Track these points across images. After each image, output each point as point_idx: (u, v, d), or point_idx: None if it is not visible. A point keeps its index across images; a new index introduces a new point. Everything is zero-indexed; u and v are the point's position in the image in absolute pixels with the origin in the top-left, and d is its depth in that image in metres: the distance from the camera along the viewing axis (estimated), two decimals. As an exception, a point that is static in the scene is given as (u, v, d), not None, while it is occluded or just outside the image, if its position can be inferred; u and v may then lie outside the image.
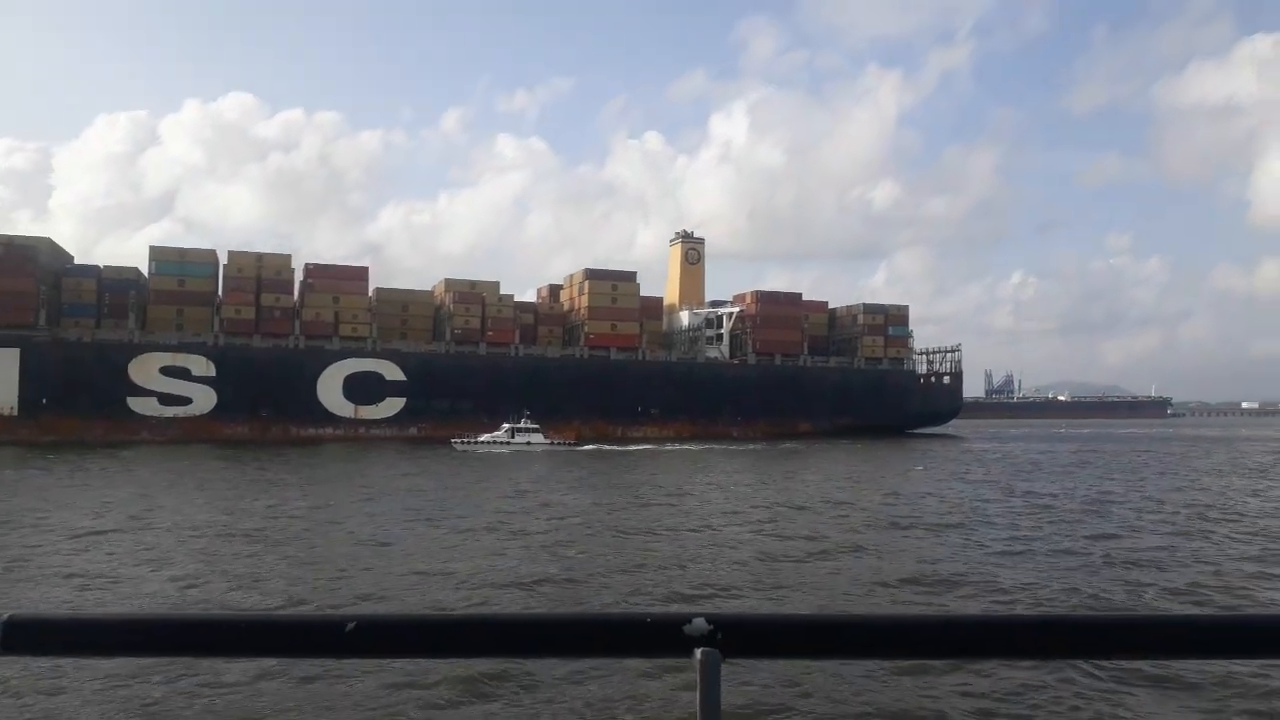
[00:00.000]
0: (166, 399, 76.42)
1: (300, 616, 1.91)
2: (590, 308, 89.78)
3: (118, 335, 75.96)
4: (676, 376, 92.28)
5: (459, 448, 63.40)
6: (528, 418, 67.18)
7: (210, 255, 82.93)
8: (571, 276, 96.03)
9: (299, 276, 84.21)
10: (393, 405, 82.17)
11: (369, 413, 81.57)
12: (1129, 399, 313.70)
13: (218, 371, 77.41)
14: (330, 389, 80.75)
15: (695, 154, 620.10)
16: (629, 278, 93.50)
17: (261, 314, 79.60)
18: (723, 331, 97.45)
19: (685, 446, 77.67)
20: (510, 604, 16.52)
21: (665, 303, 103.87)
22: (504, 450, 62.50)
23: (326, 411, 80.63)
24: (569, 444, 67.05)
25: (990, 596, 17.15)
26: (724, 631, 1.63)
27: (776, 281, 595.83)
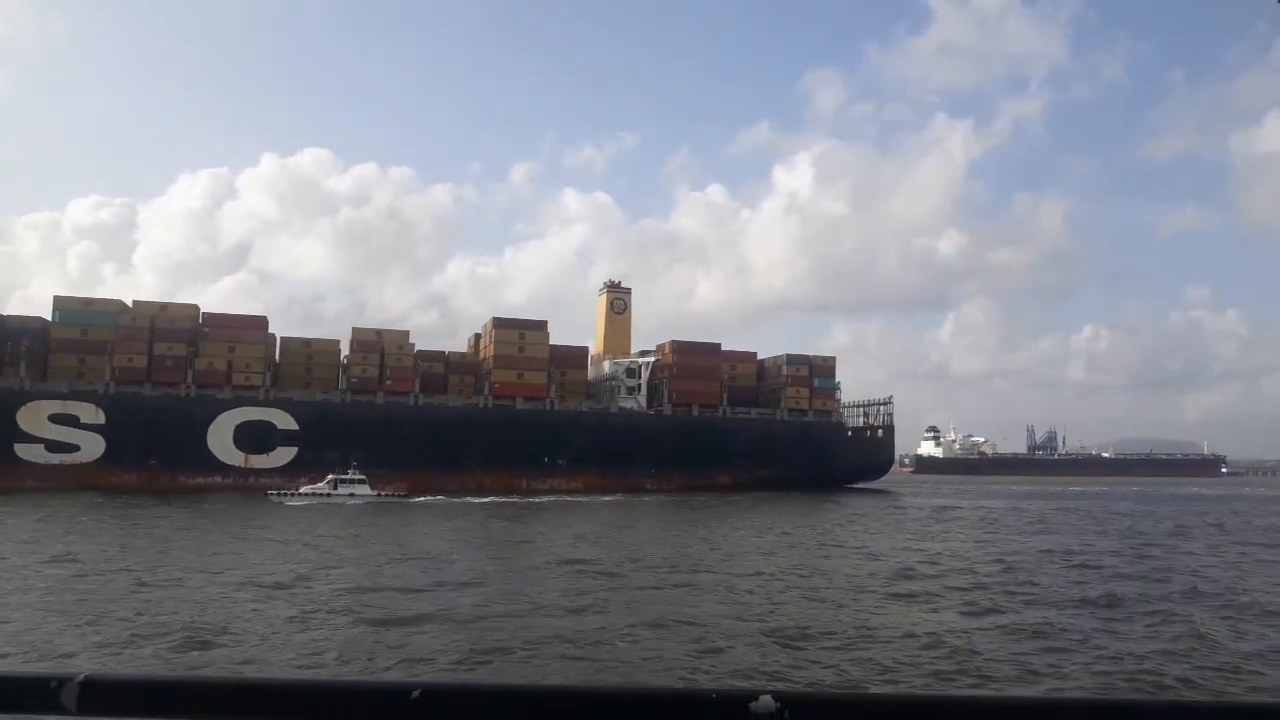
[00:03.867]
0: (54, 446, 76.93)
1: (368, 682, 1.77)
2: (496, 356, 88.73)
3: (9, 383, 77.15)
4: (587, 427, 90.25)
5: (275, 499, 62.11)
6: (355, 468, 65.70)
7: (116, 304, 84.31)
8: (485, 325, 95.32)
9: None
10: (284, 454, 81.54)
11: (260, 462, 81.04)
12: (1178, 456, 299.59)
13: (107, 419, 77.91)
14: (220, 438, 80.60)
15: (757, 206, 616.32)
16: (538, 326, 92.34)
17: (154, 362, 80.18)
18: (640, 382, 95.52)
19: (578, 499, 75.72)
20: None
21: (592, 352, 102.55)
22: (324, 502, 60.97)
23: (216, 460, 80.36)
24: (400, 496, 65.22)
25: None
26: (791, 710, 1.56)
27: (841, 334, 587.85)
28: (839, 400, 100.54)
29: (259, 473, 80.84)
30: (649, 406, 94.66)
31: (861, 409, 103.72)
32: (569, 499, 76.77)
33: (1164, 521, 58.89)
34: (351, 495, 62.75)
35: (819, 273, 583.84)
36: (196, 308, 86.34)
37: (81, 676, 1.65)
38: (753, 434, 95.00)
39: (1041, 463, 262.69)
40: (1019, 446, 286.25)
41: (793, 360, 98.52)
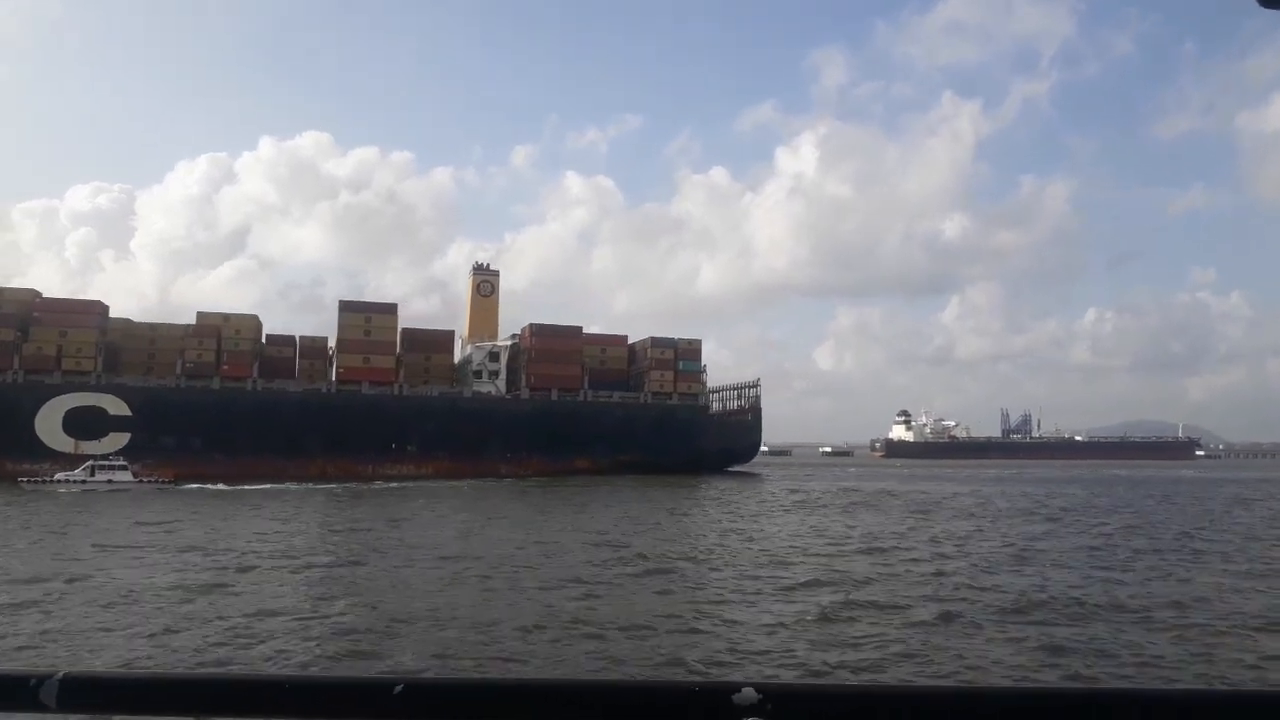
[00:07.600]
0: None
1: (350, 678, 1.74)
2: (341, 340, 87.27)
3: None
4: (437, 412, 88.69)
5: (28, 487, 61.02)
6: (116, 454, 64.46)
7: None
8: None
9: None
10: (116, 441, 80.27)
11: (90, 448, 79.61)
12: (1152, 439, 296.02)
13: (-72, 406, 77.19)
14: (49, 424, 79.62)
15: (760, 188, 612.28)
16: (388, 309, 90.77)
17: (-21, 347, 79.34)
18: (501, 366, 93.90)
19: (424, 484, 74.54)
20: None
21: (461, 336, 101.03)
22: (77, 489, 59.82)
23: (45, 447, 79.44)
24: (166, 483, 63.95)
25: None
26: (773, 702, 1.54)
27: (845, 318, 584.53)
28: (704, 383, 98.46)
29: (90, 459, 80.00)
30: (508, 391, 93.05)
31: (735, 391, 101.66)
32: (412, 484, 75.54)
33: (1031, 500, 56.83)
34: (110, 482, 61.54)
35: (822, 256, 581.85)
36: (34, 292, 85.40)
37: (61, 674, 1.61)
38: (614, 418, 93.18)
39: (1014, 446, 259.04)
40: (995, 430, 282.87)
41: (657, 343, 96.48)
